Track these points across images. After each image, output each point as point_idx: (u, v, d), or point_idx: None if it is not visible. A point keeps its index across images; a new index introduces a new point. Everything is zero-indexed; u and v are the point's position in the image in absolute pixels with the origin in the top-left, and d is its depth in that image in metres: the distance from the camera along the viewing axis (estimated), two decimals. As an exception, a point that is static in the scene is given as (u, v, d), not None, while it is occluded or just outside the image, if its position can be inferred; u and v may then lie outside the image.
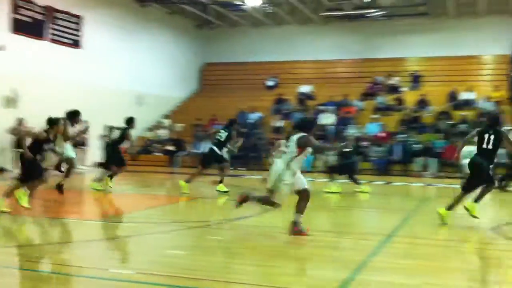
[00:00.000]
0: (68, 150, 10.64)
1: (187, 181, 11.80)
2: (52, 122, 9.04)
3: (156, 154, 21.43)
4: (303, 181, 7.13)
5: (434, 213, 10.57)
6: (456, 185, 15.48)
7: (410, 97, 22.28)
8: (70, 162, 10.68)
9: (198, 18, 25.85)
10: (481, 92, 21.65)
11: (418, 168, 18.44)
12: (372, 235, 7.75)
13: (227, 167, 12.26)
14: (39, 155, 8.61)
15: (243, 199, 7.46)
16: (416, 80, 23.48)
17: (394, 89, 23.13)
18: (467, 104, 21.16)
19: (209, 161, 12.11)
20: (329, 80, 24.67)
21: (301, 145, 6.98)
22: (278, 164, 7.09)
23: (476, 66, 23.92)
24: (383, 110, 21.71)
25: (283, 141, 12.27)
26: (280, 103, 23.34)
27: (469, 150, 18.62)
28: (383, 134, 19.67)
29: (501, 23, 22.32)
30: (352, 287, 4.89)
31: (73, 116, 10.64)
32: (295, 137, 7.06)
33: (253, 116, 22.50)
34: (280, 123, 21.95)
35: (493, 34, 22.62)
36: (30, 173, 8.48)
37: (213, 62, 27.00)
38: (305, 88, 24.04)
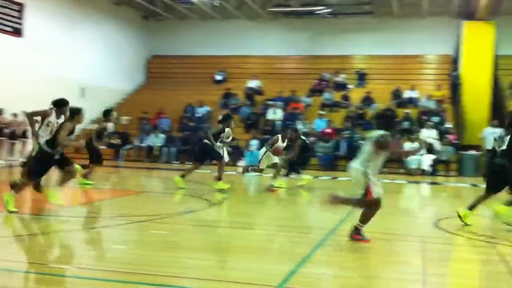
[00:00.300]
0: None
1: (182, 176, 11.59)
2: (74, 112, 8.32)
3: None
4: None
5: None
6: (400, 181, 15.91)
7: (355, 94, 22.66)
8: None
9: (145, 9, 25.44)
10: (424, 91, 22.26)
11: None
12: (317, 229, 7.82)
13: (222, 163, 11.79)
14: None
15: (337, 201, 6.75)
16: (361, 77, 23.91)
17: (340, 86, 23.46)
18: (410, 102, 21.71)
19: (203, 156, 11.82)
20: (277, 76, 24.79)
21: (381, 146, 6.32)
22: (356, 166, 6.47)
23: (419, 66, 24.57)
24: (329, 106, 21.99)
25: (279, 136, 12.13)
26: (228, 97, 23.28)
27: (412, 146, 19.19)
28: (330, 130, 19.92)
29: (443, 24, 22.97)
30: (295, 280, 4.88)
31: (61, 105, 9.20)
32: (374, 134, 6.48)
33: (201, 110, 22.36)
34: (227, 118, 21.87)
35: (436, 34, 23.26)
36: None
37: (161, 55, 26.66)
38: (253, 83, 24.05)
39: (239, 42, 25.53)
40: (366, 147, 6.46)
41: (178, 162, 19.86)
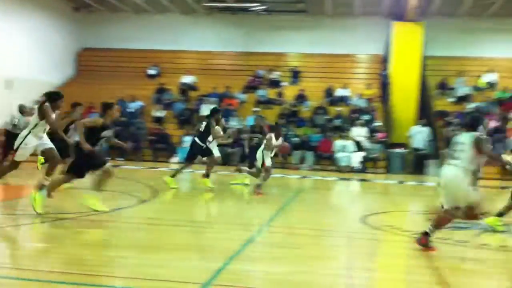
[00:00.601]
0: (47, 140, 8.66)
1: (173, 176, 11.33)
2: (106, 106, 7.78)
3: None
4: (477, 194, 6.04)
5: (308, 204, 10.95)
6: (331, 177, 16.20)
7: (289, 92, 22.88)
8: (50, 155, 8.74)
9: (75, 1, 24.66)
10: (355, 90, 22.76)
11: (296, 161, 19.01)
12: (248, 225, 7.83)
13: (213, 160, 11.55)
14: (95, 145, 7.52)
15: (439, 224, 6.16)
16: (295, 75, 24.15)
17: (274, 83, 23.63)
18: (342, 100, 22.15)
19: (192, 154, 11.48)
20: (212, 72, 24.63)
21: (478, 147, 5.93)
22: (452, 172, 6.02)
23: (351, 65, 25.05)
24: (264, 103, 22.09)
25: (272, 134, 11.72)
26: (161, 92, 22.94)
27: (342, 144, 19.54)
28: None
29: (374, 24, 23.52)
30: (223, 277, 4.86)
31: (55, 99, 8.45)
32: (467, 136, 6.05)
33: (133, 105, 21.93)
34: (161, 113, 21.59)
35: (368, 34, 23.79)
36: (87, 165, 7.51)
37: (92, 47, 25.89)
38: (187, 79, 23.81)
39: (173, 37, 25.20)
40: (465, 151, 6.00)
41: (109, 158, 19.39)
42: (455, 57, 23.04)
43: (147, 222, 7.65)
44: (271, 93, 22.79)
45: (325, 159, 19.09)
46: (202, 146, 11.30)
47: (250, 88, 23.36)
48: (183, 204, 10.25)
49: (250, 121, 20.29)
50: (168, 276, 4.82)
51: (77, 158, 7.67)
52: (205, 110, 21.22)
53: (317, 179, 15.84)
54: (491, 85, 22.19)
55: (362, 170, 18.22)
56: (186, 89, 23.23)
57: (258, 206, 10.32)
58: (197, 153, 11.51)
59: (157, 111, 21.64)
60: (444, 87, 22.54)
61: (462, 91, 21.96)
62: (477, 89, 22.18)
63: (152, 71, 24.87)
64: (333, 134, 19.41)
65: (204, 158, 11.80)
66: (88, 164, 7.57)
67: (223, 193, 11.60)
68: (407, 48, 21.79)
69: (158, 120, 21.16)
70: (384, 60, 23.55)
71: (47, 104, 8.31)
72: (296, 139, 19.55)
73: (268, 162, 11.27)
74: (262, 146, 11.35)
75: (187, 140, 19.79)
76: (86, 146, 7.36)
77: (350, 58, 24.88)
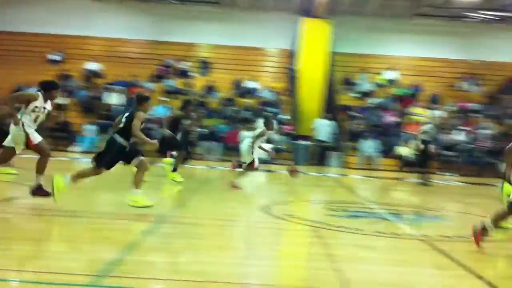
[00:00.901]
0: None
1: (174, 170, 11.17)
2: (142, 99, 7.43)
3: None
4: None
5: (213, 195, 10.94)
6: (236, 169, 16.19)
7: (198, 83, 22.75)
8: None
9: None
10: (264, 82, 23.04)
11: (203, 152, 18.94)
12: (149, 216, 7.65)
13: (181, 153, 11.31)
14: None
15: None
16: (205, 66, 24.04)
17: (183, 73, 23.39)
18: (251, 92, 22.33)
19: (163, 147, 10.99)
20: (119, 59, 23.98)
21: None
22: None
23: (260, 58, 25.32)
24: (172, 93, 21.80)
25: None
26: (64, 79, 22.00)
27: (246, 135, 19.76)
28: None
29: (284, 20, 23.87)
30: (121, 269, 4.70)
31: (49, 89, 7.65)
32: None
33: (33, 91, 20.88)
34: (63, 100, 20.70)
35: (277, 29, 24.14)
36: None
37: (-10, 29, 24.41)
38: (92, 66, 23.01)
39: (81, 22, 24.30)
40: None
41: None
42: (360, 54, 23.92)
43: (41, 214, 7.27)
44: (179, 83, 22.54)
45: (232, 150, 19.15)
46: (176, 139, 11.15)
47: (158, 77, 22.98)
48: (82, 195, 9.85)
49: (157, 110, 19.99)
50: (63, 268, 4.60)
51: (109, 152, 7.32)
52: (110, 98, 20.66)
53: (224, 169, 15.85)
54: (391, 82, 23.23)
55: (268, 161, 18.43)
56: (90, 76, 22.46)
57: (162, 197, 10.16)
58: (170, 145, 11.30)
59: (59, 98, 20.72)
60: (348, 83, 23.32)
61: (365, 87, 22.83)
62: (379, 85, 23.14)
63: (54, 57, 23.80)
64: (241, 126, 19.50)
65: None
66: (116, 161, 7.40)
67: (128, 184, 11.29)
68: (314, 44, 22.30)
69: (59, 107, 20.26)
70: (292, 55, 23.97)
71: (37, 93, 7.53)
72: (204, 130, 19.47)
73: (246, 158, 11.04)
74: (252, 139, 11.00)
75: (89, 128, 19.20)
76: (148, 140, 7.27)
77: (260, 51, 25.13)
